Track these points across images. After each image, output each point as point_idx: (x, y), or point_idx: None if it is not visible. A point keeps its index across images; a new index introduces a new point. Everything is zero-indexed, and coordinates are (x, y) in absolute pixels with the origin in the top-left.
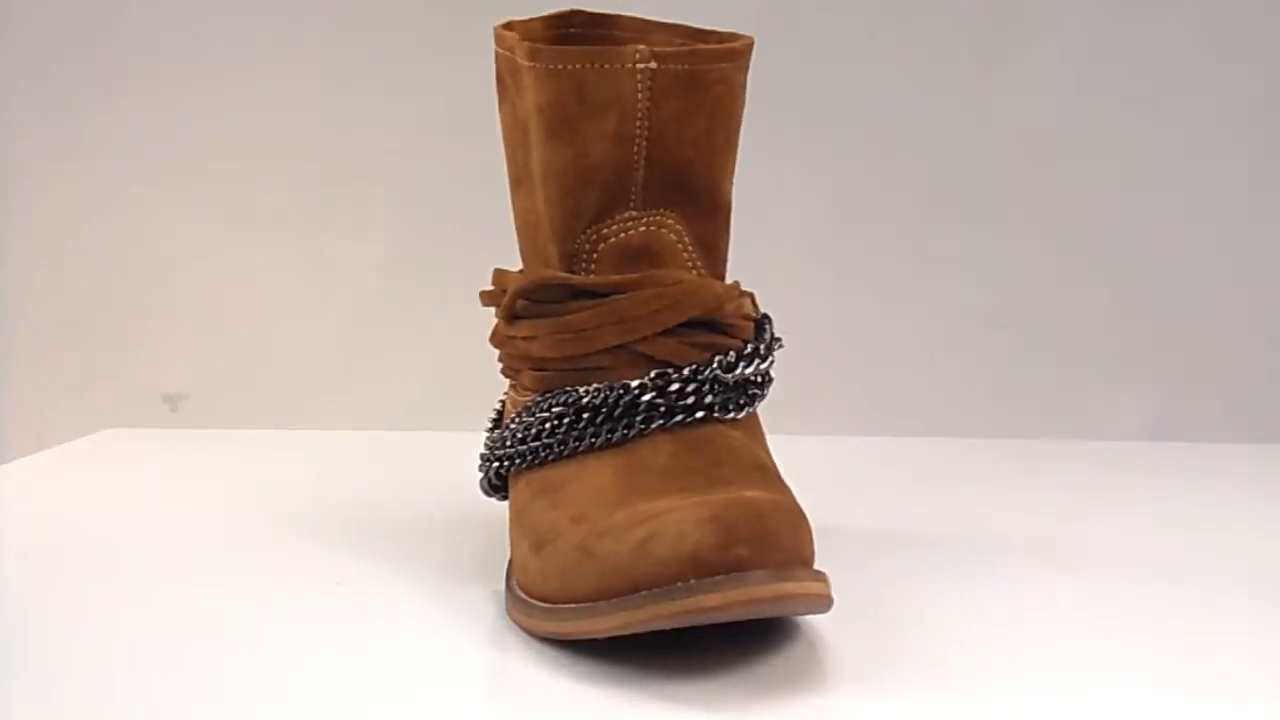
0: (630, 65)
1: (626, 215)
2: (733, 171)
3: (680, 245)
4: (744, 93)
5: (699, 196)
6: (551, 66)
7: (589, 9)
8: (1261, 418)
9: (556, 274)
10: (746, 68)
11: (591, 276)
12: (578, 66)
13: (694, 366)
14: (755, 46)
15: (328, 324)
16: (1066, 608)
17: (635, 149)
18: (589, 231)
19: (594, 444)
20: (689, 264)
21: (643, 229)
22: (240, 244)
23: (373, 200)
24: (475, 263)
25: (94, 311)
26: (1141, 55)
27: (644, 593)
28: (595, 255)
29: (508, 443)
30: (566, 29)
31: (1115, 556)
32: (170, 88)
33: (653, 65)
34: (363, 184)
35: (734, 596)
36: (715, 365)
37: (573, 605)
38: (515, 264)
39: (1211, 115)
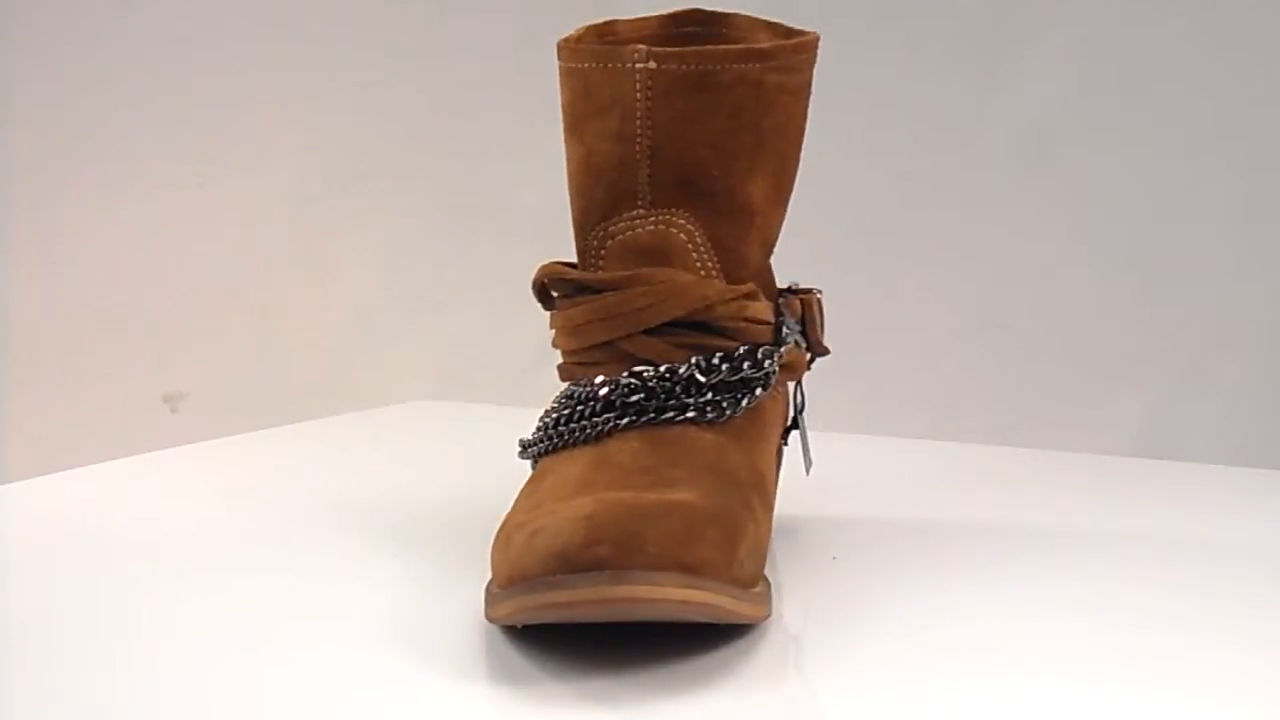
0: (629, 65)
1: (634, 213)
2: (773, 173)
3: (690, 245)
4: (788, 94)
5: (714, 197)
6: (568, 65)
7: (703, 8)
8: (1260, 416)
9: (559, 268)
10: (789, 68)
11: (599, 273)
12: (586, 66)
13: (668, 366)
14: (794, 47)
15: (327, 324)
16: (1046, 612)
17: (637, 148)
18: (598, 228)
19: (578, 438)
20: (698, 264)
21: (650, 227)
22: (240, 244)
23: (373, 200)
24: (475, 262)
25: (94, 311)
26: (1141, 55)
27: (522, 585)
28: (603, 251)
29: (533, 431)
30: (682, 28)
31: (1109, 561)
32: (171, 88)
33: (651, 65)
34: (363, 184)
35: (583, 595)
36: (690, 366)
37: (496, 591)
38: (516, 262)
39: (1212, 116)
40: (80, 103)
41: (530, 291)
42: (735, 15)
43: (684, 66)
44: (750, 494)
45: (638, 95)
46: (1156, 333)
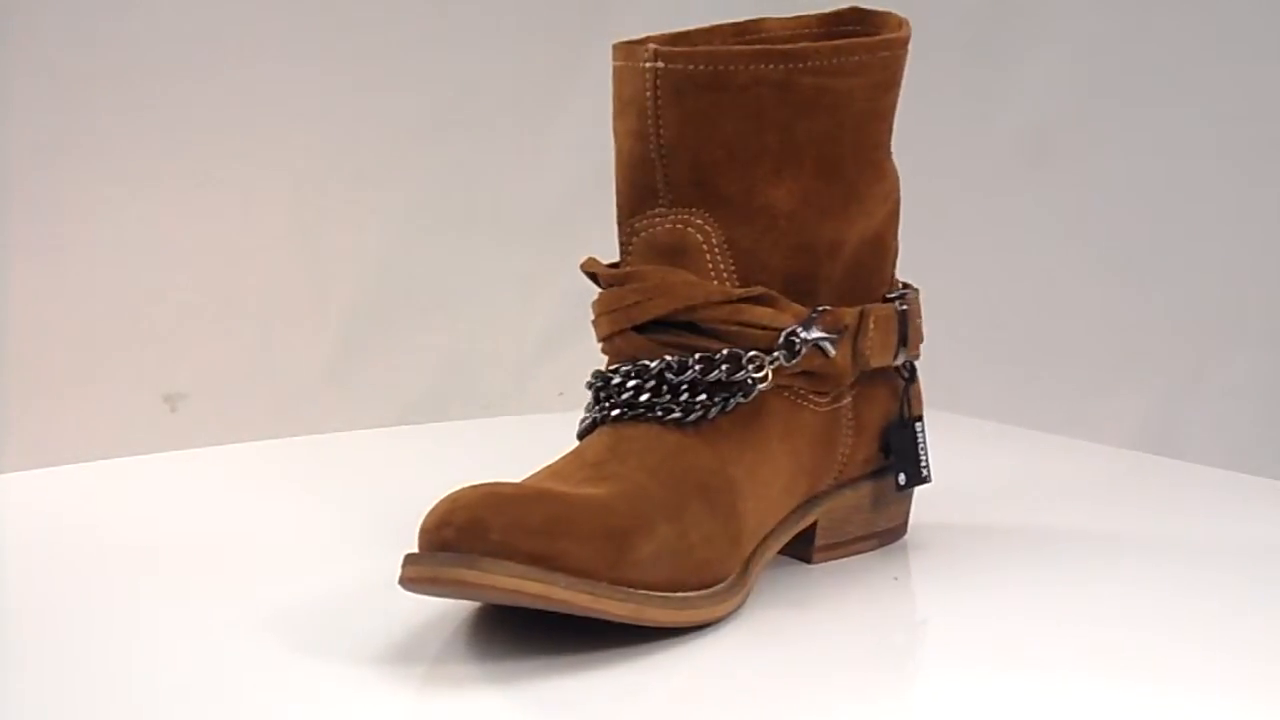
0: (640, 64)
1: (655, 210)
2: (815, 178)
3: (705, 246)
4: (836, 96)
5: (730, 199)
6: (613, 64)
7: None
8: (1260, 415)
9: (591, 261)
10: (833, 70)
11: (617, 269)
12: (618, 64)
13: (641, 364)
14: (823, 50)
15: (327, 324)
16: (1043, 614)
17: (651, 146)
18: (627, 224)
19: (581, 430)
20: (710, 265)
21: (669, 225)
22: (240, 244)
23: (373, 200)
24: (476, 262)
25: (94, 311)
26: (1142, 55)
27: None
28: (630, 246)
29: None
30: (841, 25)
31: (1104, 560)
32: (170, 87)
33: (658, 65)
34: (363, 184)
35: (422, 572)
36: (661, 364)
37: None
38: (516, 263)
39: (1212, 115)
40: (80, 103)
41: (531, 293)
42: (888, 14)
43: (692, 67)
44: (691, 497)
45: (648, 94)
46: (1156, 332)
